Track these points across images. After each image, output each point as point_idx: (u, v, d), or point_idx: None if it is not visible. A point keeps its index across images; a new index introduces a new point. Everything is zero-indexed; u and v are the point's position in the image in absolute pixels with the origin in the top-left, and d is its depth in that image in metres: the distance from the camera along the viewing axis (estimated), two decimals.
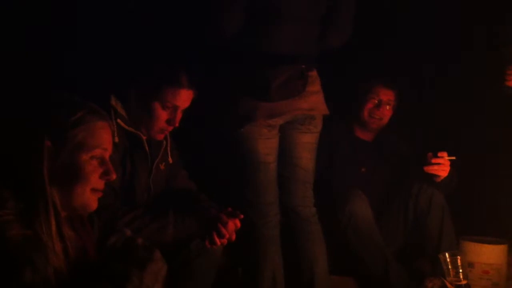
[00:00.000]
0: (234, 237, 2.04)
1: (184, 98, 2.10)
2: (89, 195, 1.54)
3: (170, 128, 2.12)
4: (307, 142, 2.44)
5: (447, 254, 2.23)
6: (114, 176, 1.57)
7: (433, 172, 2.59)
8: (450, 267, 2.22)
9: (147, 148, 2.14)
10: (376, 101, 2.82)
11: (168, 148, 2.22)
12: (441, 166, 2.58)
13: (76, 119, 1.54)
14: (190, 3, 2.34)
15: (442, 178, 2.61)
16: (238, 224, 2.05)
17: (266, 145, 2.34)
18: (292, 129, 2.40)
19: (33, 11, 2.28)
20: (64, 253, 1.49)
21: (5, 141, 1.53)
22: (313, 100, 2.38)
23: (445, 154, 2.58)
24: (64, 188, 1.50)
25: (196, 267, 2.11)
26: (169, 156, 2.22)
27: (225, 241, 2.04)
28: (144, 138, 2.12)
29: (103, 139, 1.58)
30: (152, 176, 2.17)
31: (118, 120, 2.06)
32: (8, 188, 1.45)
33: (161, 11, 2.36)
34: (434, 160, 2.57)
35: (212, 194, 2.26)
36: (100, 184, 1.56)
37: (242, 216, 2.06)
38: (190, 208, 2.11)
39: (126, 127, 2.08)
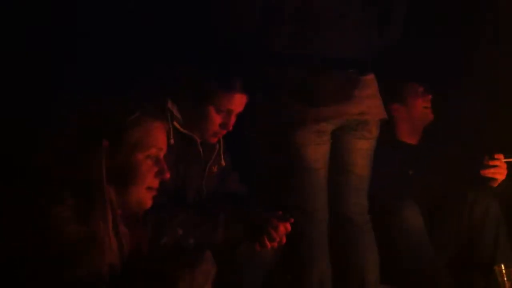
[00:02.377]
0: (284, 240, 2.04)
1: (238, 102, 2.13)
2: (144, 193, 1.58)
3: (224, 132, 2.16)
4: (361, 148, 2.38)
5: (502, 266, 2.16)
6: (168, 175, 1.61)
7: (490, 175, 2.51)
8: (505, 279, 2.15)
9: (201, 150, 2.18)
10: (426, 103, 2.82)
11: (221, 151, 2.24)
12: (498, 169, 2.50)
13: (132, 119, 1.58)
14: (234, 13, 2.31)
15: (499, 182, 2.52)
16: (289, 227, 2.05)
17: (315, 151, 2.29)
18: (345, 135, 2.35)
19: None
20: (119, 250, 1.52)
21: (64, 141, 1.58)
22: (365, 105, 2.32)
23: (501, 156, 2.50)
24: (120, 186, 1.55)
25: (245, 270, 2.13)
26: (222, 159, 2.25)
27: (275, 244, 2.05)
28: (199, 141, 2.15)
29: (158, 139, 1.63)
30: (205, 178, 2.21)
31: (174, 123, 2.11)
32: (66, 186, 1.50)
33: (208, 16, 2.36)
34: (491, 163, 2.49)
35: (262, 198, 2.28)
36: (155, 183, 1.60)
37: (292, 220, 2.06)
38: (241, 211, 2.13)
39: (181, 129, 2.12)
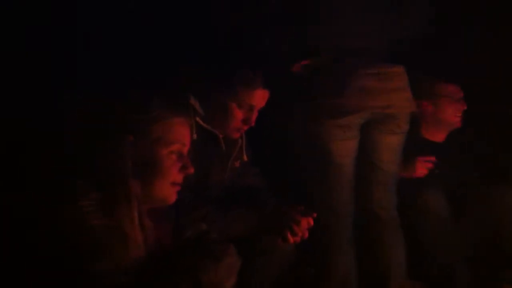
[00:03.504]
0: (306, 235, 2.05)
1: (259, 98, 2.15)
2: (169, 188, 1.60)
3: (246, 127, 2.18)
4: (389, 143, 2.36)
5: None
6: (192, 170, 1.63)
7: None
8: None
9: (223, 146, 2.20)
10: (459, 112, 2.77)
11: (244, 146, 2.26)
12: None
13: (155, 115, 1.60)
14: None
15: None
16: (311, 222, 2.06)
17: (341, 146, 2.28)
18: (372, 129, 2.33)
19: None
20: (144, 243, 1.54)
21: (90, 135, 1.60)
22: (392, 98, 2.28)
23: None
24: (145, 181, 1.57)
25: (267, 263, 2.15)
26: (244, 154, 2.26)
27: (298, 239, 2.06)
28: (221, 136, 2.17)
29: (181, 134, 1.65)
30: (227, 173, 2.23)
31: (197, 118, 2.12)
32: (91, 180, 1.52)
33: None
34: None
35: (284, 193, 2.29)
36: (179, 178, 1.63)
37: (315, 215, 2.07)
38: (263, 205, 2.14)
39: (204, 125, 2.14)
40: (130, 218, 1.51)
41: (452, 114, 2.77)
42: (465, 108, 2.77)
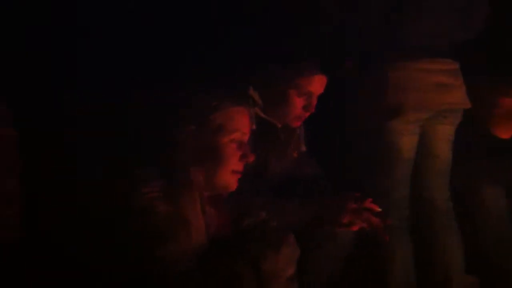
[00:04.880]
0: (374, 221, 2.08)
1: (318, 84, 2.16)
2: (230, 176, 1.64)
3: (307, 114, 2.18)
4: (446, 134, 2.42)
5: None
6: (252, 159, 1.66)
7: None
8: None
9: (281, 136, 2.21)
10: None
11: (302, 137, 2.26)
12: None
13: (216, 104, 1.63)
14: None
15: None
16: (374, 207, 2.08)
17: (410, 141, 2.33)
18: (433, 122, 2.38)
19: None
20: (206, 229, 1.57)
21: (152, 124, 1.64)
22: (458, 94, 2.36)
23: None
24: (207, 169, 1.61)
25: (324, 252, 2.16)
26: (302, 144, 2.27)
27: (354, 228, 2.08)
28: (279, 126, 2.18)
29: (242, 123, 1.68)
30: (285, 163, 2.24)
31: (256, 109, 2.13)
32: (154, 168, 1.56)
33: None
34: None
35: (340, 181, 2.30)
36: (239, 166, 1.66)
37: (371, 200, 2.08)
38: (320, 195, 2.16)
39: (263, 115, 2.16)
40: (192, 205, 1.55)
41: None
42: None
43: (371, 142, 2.33)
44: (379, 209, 2.08)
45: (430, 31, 2.23)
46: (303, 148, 2.30)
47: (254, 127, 2.09)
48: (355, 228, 2.08)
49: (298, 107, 2.15)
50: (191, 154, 1.59)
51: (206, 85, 1.72)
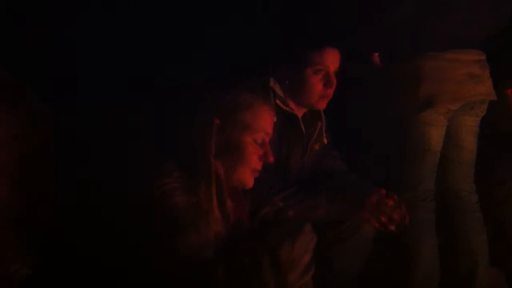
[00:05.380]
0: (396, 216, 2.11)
1: (331, 57, 2.15)
2: (248, 174, 1.69)
3: (329, 92, 2.16)
4: (472, 125, 2.41)
5: None
6: (272, 159, 1.69)
7: None
8: None
9: (303, 128, 2.22)
10: None
11: (323, 129, 2.27)
12: None
13: (243, 101, 1.65)
14: None
15: None
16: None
17: (439, 133, 2.32)
18: (460, 113, 2.36)
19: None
20: (225, 220, 1.59)
21: (176, 117, 1.67)
22: (488, 85, 2.34)
23: None
24: (227, 163, 1.63)
25: (347, 246, 2.15)
26: (324, 137, 2.27)
27: (377, 224, 2.10)
28: (300, 116, 2.19)
29: (266, 123, 1.72)
30: (307, 155, 2.24)
31: (277, 101, 2.14)
32: (173, 159, 1.58)
33: None
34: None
35: (366, 176, 2.30)
36: (258, 165, 1.70)
37: (395, 197, 2.10)
38: (342, 188, 2.16)
39: (284, 107, 2.17)
40: (209, 196, 1.57)
41: None
42: None
43: (399, 133, 2.31)
44: (403, 205, 2.10)
45: (462, 22, 2.21)
46: (325, 141, 2.29)
47: (275, 119, 2.11)
48: (378, 223, 2.09)
49: (318, 86, 2.15)
50: (213, 147, 1.61)
51: (231, 79, 1.74)
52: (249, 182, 1.70)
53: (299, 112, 2.20)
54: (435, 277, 2.31)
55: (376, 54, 2.34)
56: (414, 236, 2.30)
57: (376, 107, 2.36)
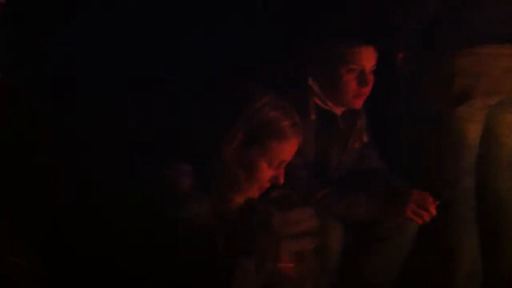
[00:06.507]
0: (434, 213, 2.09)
1: (365, 55, 2.12)
2: (254, 190, 1.68)
3: (364, 91, 2.13)
4: (510, 122, 2.35)
5: None
6: (281, 182, 1.68)
7: None
8: None
9: (342, 126, 2.20)
10: None
11: (363, 127, 2.26)
12: None
13: (272, 126, 1.64)
14: None
15: None
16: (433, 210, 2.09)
17: (475, 129, 2.29)
18: (498, 109, 2.32)
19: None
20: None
21: (201, 127, 1.66)
22: None
23: None
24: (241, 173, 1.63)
25: (388, 246, 2.15)
26: (364, 135, 2.26)
27: (420, 221, 2.09)
28: (339, 115, 2.18)
29: (287, 152, 1.68)
30: (346, 154, 2.24)
31: (316, 100, 2.13)
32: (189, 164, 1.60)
33: None
34: None
35: (405, 174, 2.27)
36: (266, 185, 1.69)
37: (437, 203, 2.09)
38: (382, 187, 2.16)
39: (322, 105, 2.16)
40: (225, 200, 1.62)
41: None
42: None
43: (435, 129, 2.29)
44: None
45: (496, 16, 2.18)
46: (365, 139, 2.27)
47: (313, 118, 2.11)
48: (420, 221, 2.08)
49: (353, 85, 2.11)
50: (231, 158, 1.61)
51: (260, 88, 1.72)
52: (254, 195, 1.69)
53: (338, 110, 2.19)
54: (477, 277, 2.29)
55: (401, 55, 2.31)
56: (454, 235, 2.29)
57: (412, 104, 2.34)
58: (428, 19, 2.16)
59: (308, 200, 1.97)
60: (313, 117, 2.11)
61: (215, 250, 1.44)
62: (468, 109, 2.24)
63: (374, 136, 2.33)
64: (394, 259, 2.18)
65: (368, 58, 2.12)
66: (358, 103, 2.17)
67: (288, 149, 1.67)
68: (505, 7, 2.18)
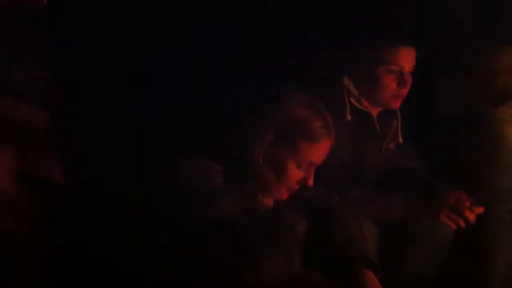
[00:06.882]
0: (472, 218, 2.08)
1: (405, 57, 2.11)
2: (282, 190, 1.67)
3: (403, 91, 2.12)
4: None
5: None
6: (310, 184, 1.68)
7: None
8: None
9: (377, 127, 2.20)
10: None
11: (399, 128, 2.24)
12: None
13: (303, 128, 1.66)
14: None
15: None
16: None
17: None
18: None
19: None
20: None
21: (233, 127, 1.68)
22: None
23: None
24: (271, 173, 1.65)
25: (423, 246, 2.14)
26: (399, 136, 2.24)
27: (455, 226, 2.08)
28: (375, 115, 2.18)
29: (317, 154, 1.69)
30: (382, 154, 2.24)
31: (352, 100, 2.14)
32: (221, 162, 1.62)
33: None
34: None
35: (443, 175, 2.25)
36: (294, 185, 1.68)
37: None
38: (419, 188, 2.15)
39: (358, 105, 2.15)
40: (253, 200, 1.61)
41: None
42: None
43: (473, 130, 2.28)
44: (481, 209, 2.08)
45: None
46: (400, 140, 2.26)
47: (349, 118, 2.11)
48: (454, 227, 2.08)
49: (391, 85, 2.10)
50: (261, 158, 1.63)
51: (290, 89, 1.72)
52: (281, 196, 1.68)
53: (374, 111, 2.19)
54: None
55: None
56: (490, 237, 2.27)
57: (450, 103, 2.31)
58: (465, 17, 2.15)
59: (345, 201, 1.99)
60: (348, 117, 2.11)
61: (243, 248, 1.46)
62: (507, 110, 2.23)
63: (411, 136, 2.32)
64: (431, 260, 2.16)
65: (407, 59, 2.12)
66: (396, 104, 2.16)
67: (318, 151, 1.68)
68: None
